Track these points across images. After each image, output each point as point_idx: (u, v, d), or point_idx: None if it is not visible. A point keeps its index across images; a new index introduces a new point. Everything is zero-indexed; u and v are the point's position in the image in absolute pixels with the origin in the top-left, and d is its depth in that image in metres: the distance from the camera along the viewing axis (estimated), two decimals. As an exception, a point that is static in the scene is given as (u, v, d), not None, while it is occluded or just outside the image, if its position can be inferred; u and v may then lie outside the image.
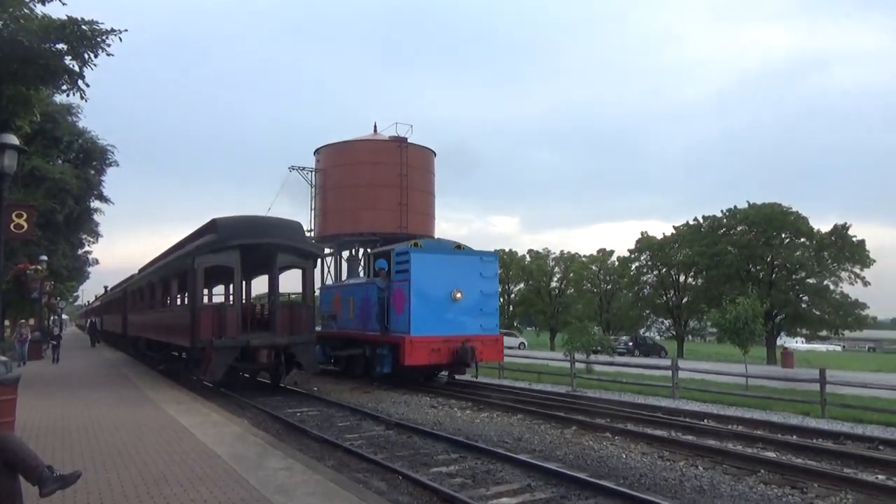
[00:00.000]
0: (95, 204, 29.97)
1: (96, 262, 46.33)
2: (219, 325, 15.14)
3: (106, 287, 47.42)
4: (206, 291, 20.18)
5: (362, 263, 19.23)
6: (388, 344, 16.73)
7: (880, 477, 8.02)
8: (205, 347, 14.93)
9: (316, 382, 18.47)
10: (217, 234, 15.60)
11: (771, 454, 9.24)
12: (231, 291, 18.14)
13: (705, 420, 12.12)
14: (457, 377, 18.78)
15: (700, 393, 16.39)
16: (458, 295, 16.29)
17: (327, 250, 38.67)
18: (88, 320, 56.50)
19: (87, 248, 38.50)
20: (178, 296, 19.63)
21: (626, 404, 14.34)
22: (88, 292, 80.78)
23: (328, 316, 21.50)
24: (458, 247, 17.75)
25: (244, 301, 18.34)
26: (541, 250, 70.74)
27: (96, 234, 34.78)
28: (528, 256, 71.11)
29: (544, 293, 66.72)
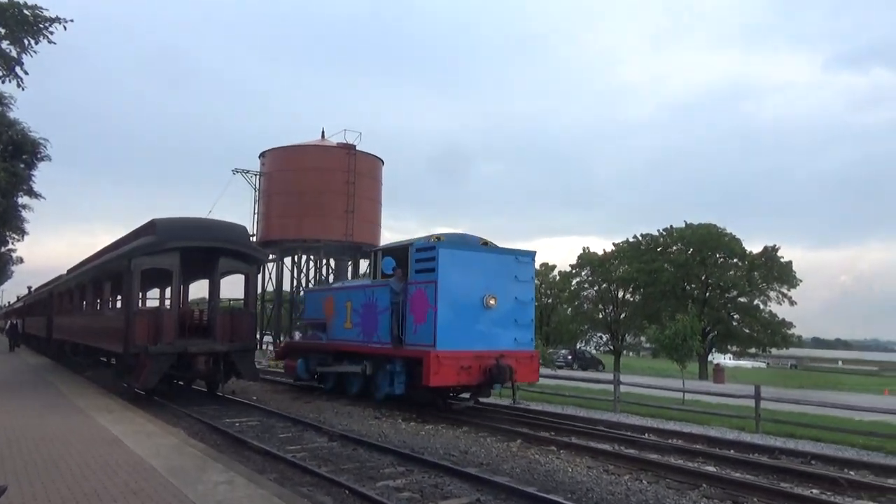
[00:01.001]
0: (24, 199, 28.45)
1: (20, 260, 44.00)
2: (155, 331, 14.52)
3: (30, 287, 45.06)
4: (142, 295, 19.37)
5: (371, 262, 15.69)
6: (402, 359, 13.91)
7: (814, 491, 8.29)
8: (139, 353, 14.28)
9: (255, 391, 17.93)
10: (156, 236, 14.98)
11: (711, 468, 9.44)
12: (169, 295, 17.47)
13: (647, 434, 12.32)
14: (481, 400, 15.60)
15: (640, 407, 16.68)
16: (492, 301, 13.37)
17: (270, 256, 37.92)
18: (8, 322, 53.49)
19: (10, 246, 36.52)
20: (112, 299, 18.77)
21: (570, 417, 14.46)
22: (10, 292, 76.64)
23: (313, 324, 18.34)
24: (485, 243, 14.86)
25: (182, 306, 17.66)
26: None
27: (22, 232, 33.02)
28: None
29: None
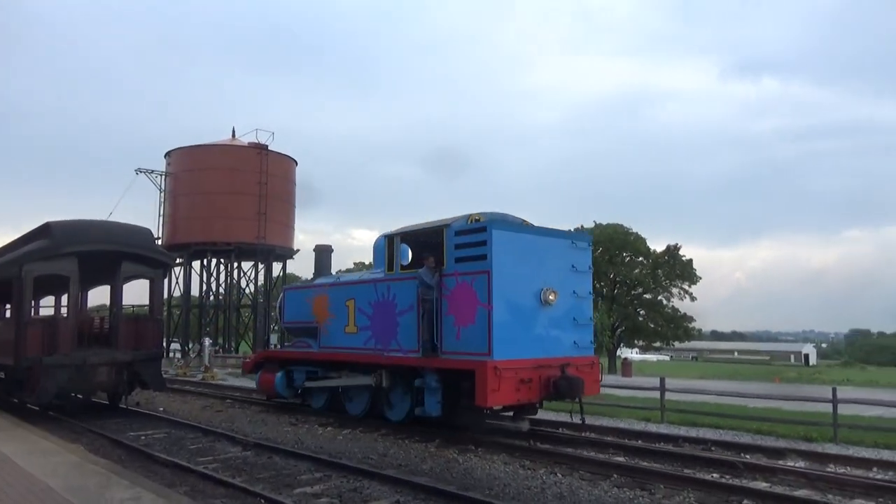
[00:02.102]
0: None
1: None
2: (50, 341, 13.59)
3: None
4: (36, 303, 18.06)
5: (386, 250, 12.48)
6: (437, 372, 11.08)
7: (715, 475, 8.80)
8: (32, 366, 13.33)
9: (162, 402, 17.13)
10: (51, 240, 14.04)
11: (621, 459, 9.85)
12: (66, 303, 16.39)
13: (560, 429, 12.68)
14: (529, 418, 12.31)
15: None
16: (552, 297, 10.86)
17: (177, 260, 36.29)
18: None
19: None
20: (1, 308, 17.44)
21: (488, 416, 14.65)
22: None
23: (297, 329, 15.39)
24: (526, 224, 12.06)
25: (81, 314, 16.63)
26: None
27: None
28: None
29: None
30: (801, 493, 7.88)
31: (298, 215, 42.53)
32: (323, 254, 16.08)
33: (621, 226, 57.20)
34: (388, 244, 12.42)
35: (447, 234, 11.19)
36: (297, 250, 42.11)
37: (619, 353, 59.58)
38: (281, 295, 16.45)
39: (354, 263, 75.93)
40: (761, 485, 8.28)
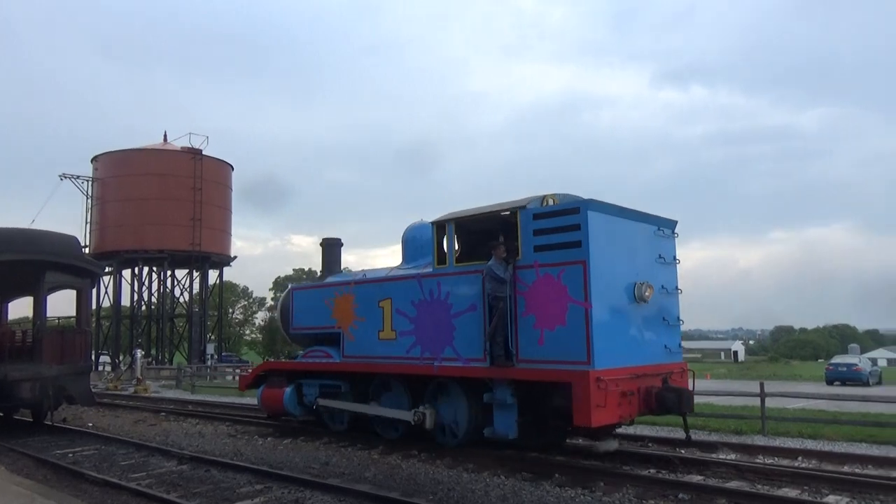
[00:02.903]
0: None
1: None
2: (-34, 357, 12.81)
3: None
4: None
5: (433, 239, 10.47)
6: (512, 385, 9.28)
7: (652, 471, 9.05)
8: (-55, 384, 12.52)
9: (92, 417, 16.39)
10: (-34, 249, 13.24)
11: (562, 458, 9.99)
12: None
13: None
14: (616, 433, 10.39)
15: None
16: (648, 293, 9.21)
17: (106, 269, 34.85)
18: None
19: None
20: None
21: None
22: None
23: (312, 336, 12.81)
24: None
25: (0, 327, 15.75)
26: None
27: None
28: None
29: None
30: (732, 484, 8.19)
31: (236, 221, 41.62)
32: (332, 248, 13.84)
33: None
34: (437, 232, 10.33)
35: (522, 218, 9.16)
36: (235, 257, 41.16)
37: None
38: (284, 295, 13.83)
39: (294, 270, 74.80)
40: (696, 478, 8.56)
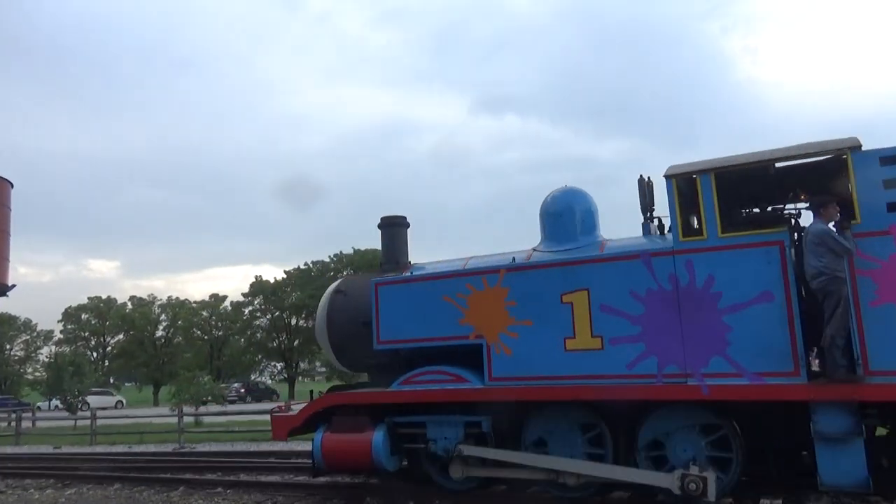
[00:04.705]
0: None
1: None
2: None
3: None
4: None
5: (676, 197, 7.01)
6: (850, 410, 6.25)
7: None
8: None
9: None
10: None
11: (375, 480, 9.97)
12: None
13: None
14: None
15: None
16: None
17: None
18: None
19: None
20: None
21: (239, 454, 13.92)
22: None
23: (426, 351, 8.43)
24: None
25: None
26: (145, 296, 65.00)
27: None
28: (129, 304, 64.59)
29: (148, 344, 61.20)
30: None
31: (19, 245, 36.63)
32: (397, 230, 9.95)
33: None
34: (681, 188, 7.10)
35: (858, 163, 6.42)
36: (13, 286, 36.09)
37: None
38: (333, 295, 9.50)
39: (89, 298, 67.45)
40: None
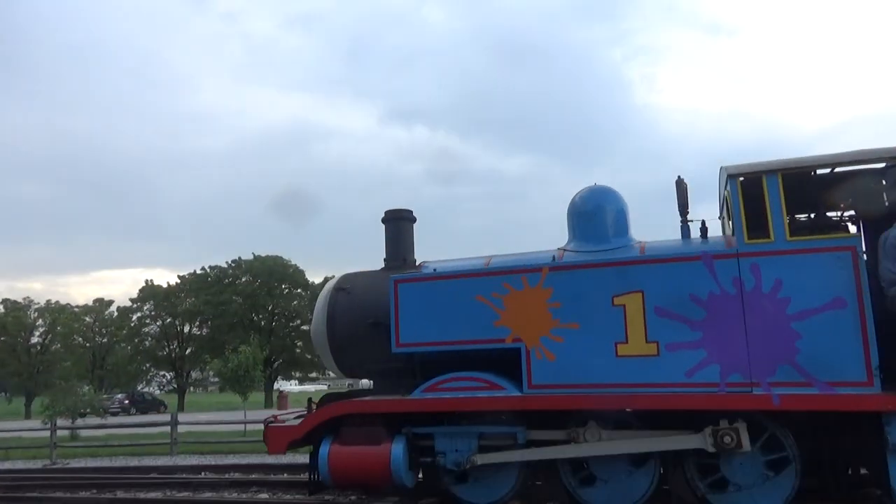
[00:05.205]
0: None
1: None
2: None
3: None
4: None
5: (741, 199, 6.61)
6: None
7: (353, 498, 9.19)
8: None
9: None
10: None
11: (265, 495, 9.68)
12: None
13: (203, 473, 11.97)
14: None
15: (201, 446, 16.17)
16: None
17: None
18: None
19: None
20: None
21: (118, 469, 13.10)
22: None
23: (454, 356, 7.62)
24: None
25: None
26: (20, 300, 60.00)
27: None
28: (2, 307, 59.41)
29: (22, 351, 56.48)
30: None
31: None
32: (402, 224, 9.09)
33: (280, 258, 57.42)
34: (745, 189, 6.72)
35: None
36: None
37: (278, 385, 59.26)
38: (333, 292, 8.60)
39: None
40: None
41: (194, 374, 60.26)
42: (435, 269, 8.02)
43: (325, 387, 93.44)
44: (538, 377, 7.02)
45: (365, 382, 11.36)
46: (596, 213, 7.78)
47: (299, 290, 58.32)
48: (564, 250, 7.70)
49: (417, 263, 8.69)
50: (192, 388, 63.89)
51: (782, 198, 6.46)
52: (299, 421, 8.06)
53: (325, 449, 7.61)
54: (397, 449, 7.30)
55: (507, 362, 7.22)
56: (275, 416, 8.71)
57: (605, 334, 6.85)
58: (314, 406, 8.23)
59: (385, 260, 8.83)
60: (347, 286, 8.44)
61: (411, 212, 9.13)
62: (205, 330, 56.79)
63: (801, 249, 6.36)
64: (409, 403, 7.48)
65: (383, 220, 9.03)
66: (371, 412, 7.63)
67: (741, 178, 6.66)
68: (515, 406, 7.08)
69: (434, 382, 7.44)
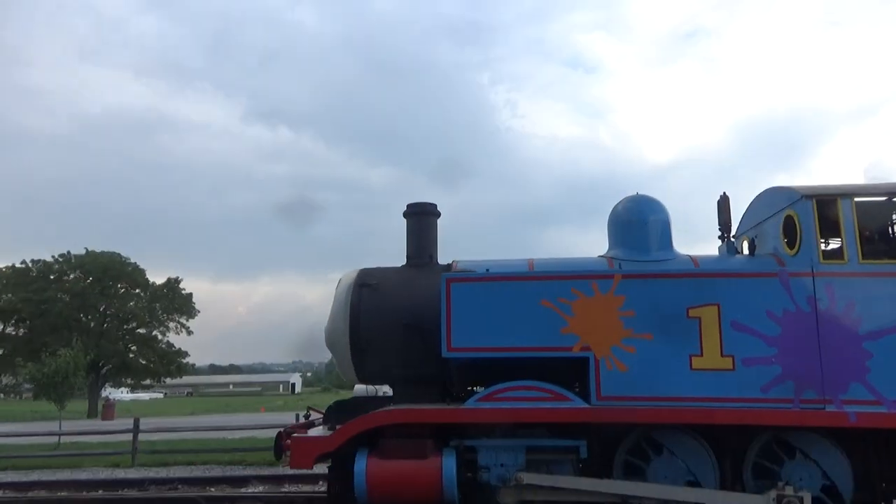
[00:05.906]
0: None
1: None
2: None
3: None
4: None
5: (816, 221, 6.75)
6: None
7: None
8: None
9: None
10: None
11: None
12: None
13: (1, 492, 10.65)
14: None
15: (3, 461, 14.41)
16: None
17: None
18: None
19: None
20: None
21: None
22: None
23: (514, 363, 7.00)
24: None
25: None
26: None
27: None
28: None
29: None
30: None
31: None
32: (427, 219, 8.26)
33: (118, 255, 53.02)
34: (824, 207, 6.90)
35: None
36: None
37: (107, 393, 54.51)
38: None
39: None
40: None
41: (5, 379, 53.78)
42: (488, 270, 7.38)
43: (160, 395, 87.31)
44: (608, 388, 6.69)
45: (360, 388, 10.83)
46: (641, 223, 7.67)
47: (137, 291, 54.17)
48: (611, 258, 7.52)
49: (450, 262, 7.89)
50: (3, 395, 56.98)
51: (856, 221, 6.68)
52: (320, 431, 7.22)
53: (361, 463, 6.69)
54: (449, 463, 6.62)
55: (560, 372, 6.88)
56: (291, 426, 7.89)
57: (680, 346, 6.68)
58: (312, 413, 7.72)
59: (408, 256, 8.05)
60: (374, 282, 7.59)
61: (435, 206, 8.38)
62: (22, 330, 50.95)
63: (874, 273, 6.61)
64: (469, 413, 6.80)
65: (405, 215, 8.22)
66: (422, 422, 6.83)
67: (816, 199, 6.81)
68: (586, 418, 6.67)
69: (491, 391, 6.86)
